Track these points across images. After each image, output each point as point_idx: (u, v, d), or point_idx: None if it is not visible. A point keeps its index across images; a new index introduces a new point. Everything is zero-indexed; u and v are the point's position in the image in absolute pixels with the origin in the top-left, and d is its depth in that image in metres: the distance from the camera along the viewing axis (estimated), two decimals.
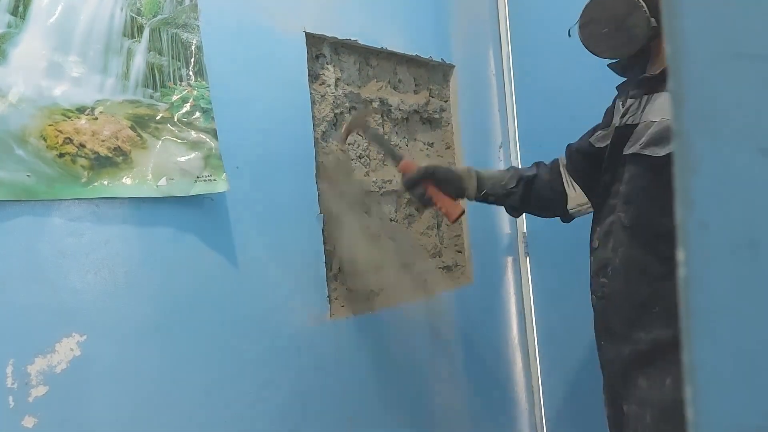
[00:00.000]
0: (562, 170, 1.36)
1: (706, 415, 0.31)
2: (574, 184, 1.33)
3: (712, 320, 0.31)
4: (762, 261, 0.30)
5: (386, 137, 1.58)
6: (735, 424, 0.31)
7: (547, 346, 1.98)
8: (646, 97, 1.10)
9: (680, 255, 0.31)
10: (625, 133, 1.10)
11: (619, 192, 1.12)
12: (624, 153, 1.10)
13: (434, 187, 1.32)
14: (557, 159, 1.39)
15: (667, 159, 0.98)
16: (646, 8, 1.03)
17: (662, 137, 1.02)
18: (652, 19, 1.03)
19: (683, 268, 0.31)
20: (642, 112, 1.09)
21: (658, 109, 1.05)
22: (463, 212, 1.31)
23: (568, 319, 1.88)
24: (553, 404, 1.99)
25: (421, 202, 1.34)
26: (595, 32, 1.09)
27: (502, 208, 1.99)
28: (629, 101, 1.14)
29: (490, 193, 1.37)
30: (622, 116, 1.14)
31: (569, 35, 1.16)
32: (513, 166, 1.50)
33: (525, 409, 2.03)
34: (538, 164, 1.42)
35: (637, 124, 1.09)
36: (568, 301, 1.87)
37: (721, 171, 0.30)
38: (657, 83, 1.08)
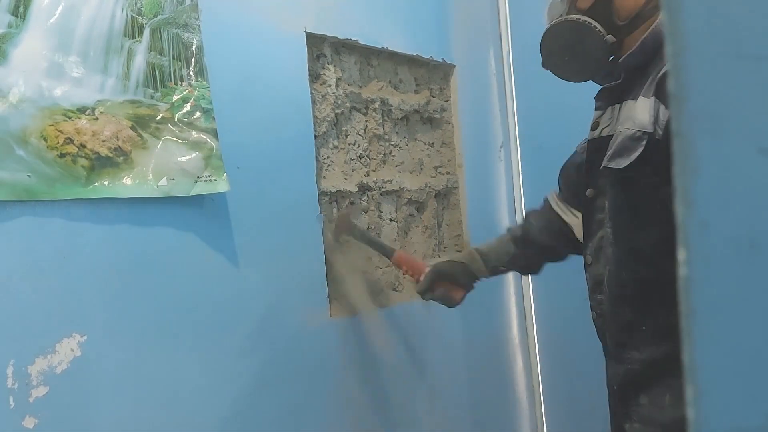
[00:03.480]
0: (555, 204, 1.32)
1: (706, 415, 0.31)
2: (573, 210, 1.28)
3: (712, 320, 0.31)
4: (762, 261, 0.30)
5: (372, 232, 1.55)
6: (736, 424, 0.31)
7: (547, 346, 1.98)
8: (618, 106, 1.07)
9: (681, 255, 0.31)
10: (601, 145, 1.07)
11: (604, 206, 1.08)
12: (600, 167, 1.06)
13: (446, 282, 1.35)
14: (546, 198, 1.35)
15: (631, 171, 0.97)
16: (599, 27, 1.03)
17: (624, 147, 0.99)
18: (609, 36, 1.03)
19: (683, 268, 0.31)
20: (616, 122, 1.06)
21: (624, 119, 1.02)
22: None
23: (568, 319, 1.88)
24: (553, 404, 1.99)
25: (445, 302, 1.37)
26: (558, 62, 1.10)
27: (503, 208, 1.99)
28: (596, 113, 1.12)
29: (498, 265, 1.38)
30: (593, 128, 1.12)
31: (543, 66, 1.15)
32: (509, 228, 1.44)
33: (525, 409, 2.03)
34: (528, 214, 1.38)
35: (611, 136, 1.05)
36: (568, 300, 1.86)
37: (721, 171, 0.30)
38: (620, 93, 1.06)
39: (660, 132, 0.93)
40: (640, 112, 0.96)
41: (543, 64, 1.12)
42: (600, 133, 1.09)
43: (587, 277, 1.17)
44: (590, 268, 1.15)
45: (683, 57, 0.30)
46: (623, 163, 0.99)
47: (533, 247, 1.34)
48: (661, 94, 0.94)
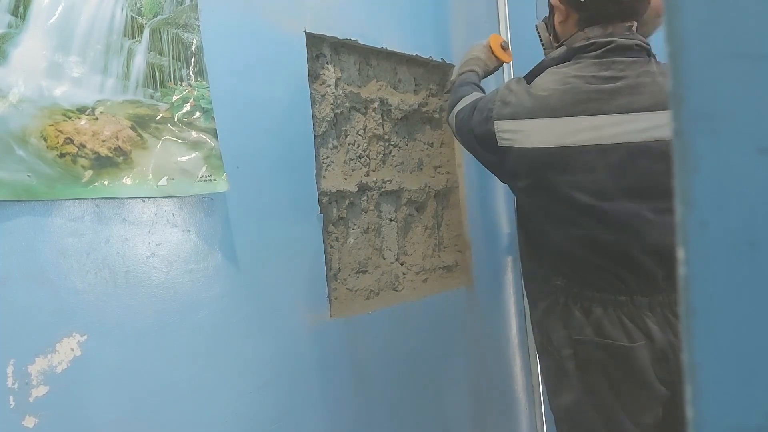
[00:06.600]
0: None
1: (706, 414, 0.31)
2: None
3: (712, 319, 0.31)
4: (761, 260, 0.30)
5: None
6: (735, 423, 0.31)
7: None
8: None
9: (680, 254, 0.31)
10: None
11: None
12: None
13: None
14: None
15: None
16: (540, 33, 1.35)
17: None
18: (545, 42, 1.35)
19: (683, 267, 0.31)
20: None
21: None
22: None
23: None
24: None
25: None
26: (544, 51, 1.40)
27: (503, 208, 2.01)
28: None
29: None
30: None
31: None
32: None
33: (525, 409, 2.03)
34: None
35: None
36: None
37: (720, 170, 0.30)
38: None
39: None
40: None
41: None
42: None
43: None
44: None
45: (682, 56, 0.30)
46: None
47: None
48: None
